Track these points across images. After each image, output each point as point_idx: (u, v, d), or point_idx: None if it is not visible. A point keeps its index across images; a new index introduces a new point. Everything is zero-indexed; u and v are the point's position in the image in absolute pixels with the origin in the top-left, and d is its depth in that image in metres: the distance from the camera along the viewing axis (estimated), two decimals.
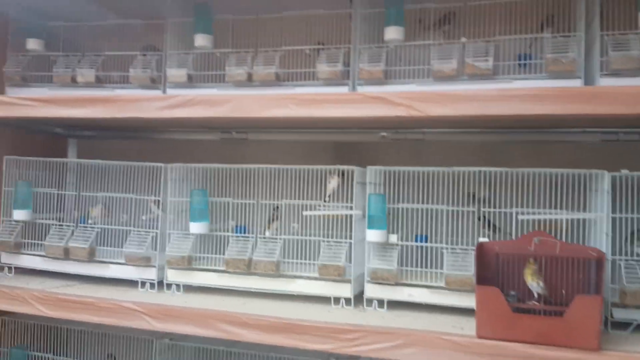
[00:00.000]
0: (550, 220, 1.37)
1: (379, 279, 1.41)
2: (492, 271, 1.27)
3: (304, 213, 1.54)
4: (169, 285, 1.58)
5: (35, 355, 1.77)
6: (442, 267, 1.39)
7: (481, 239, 1.36)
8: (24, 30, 1.77)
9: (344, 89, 1.46)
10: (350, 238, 1.47)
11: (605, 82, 1.28)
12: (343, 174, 1.53)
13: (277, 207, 1.58)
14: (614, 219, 1.30)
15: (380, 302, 1.42)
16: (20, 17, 1.78)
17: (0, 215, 1.75)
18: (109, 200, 1.70)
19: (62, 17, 1.77)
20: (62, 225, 1.70)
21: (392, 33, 1.44)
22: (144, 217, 1.65)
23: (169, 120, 1.48)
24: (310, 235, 1.56)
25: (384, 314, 1.38)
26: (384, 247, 1.45)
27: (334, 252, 1.47)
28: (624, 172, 1.30)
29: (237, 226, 1.61)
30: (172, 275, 1.58)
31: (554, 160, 1.56)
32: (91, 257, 1.64)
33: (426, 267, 1.44)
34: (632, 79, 1.25)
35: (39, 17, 1.76)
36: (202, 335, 1.37)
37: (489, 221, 1.43)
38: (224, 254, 1.55)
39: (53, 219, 1.74)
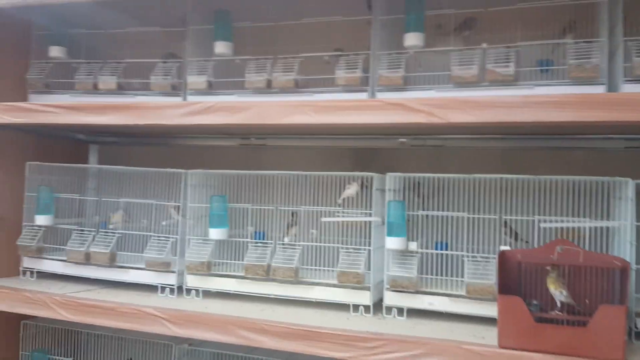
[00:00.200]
0: (573, 229, 1.35)
1: (398, 286, 1.40)
2: (514, 280, 1.26)
3: (323, 219, 1.54)
4: (188, 291, 1.59)
5: (55, 359, 1.79)
6: (462, 275, 1.38)
7: (503, 247, 1.34)
8: (46, 37, 1.80)
9: (363, 96, 1.46)
10: (369, 245, 1.47)
11: (629, 89, 1.26)
12: (364, 185, 1.52)
13: (295, 214, 1.58)
14: (638, 227, 1.28)
15: (400, 310, 1.41)
16: (43, 24, 1.81)
17: (22, 220, 1.77)
18: (129, 206, 1.71)
19: (84, 25, 1.80)
20: (83, 230, 1.72)
21: (412, 39, 1.44)
22: (164, 223, 1.66)
23: (190, 127, 1.48)
24: (328, 241, 1.56)
25: (404, 322, 1.37)
26: (404, 254, 1.44)
27: (353, 259, 1.46)
28: None
29: (255, 232, 1.62)
30: (192, 281, 1.59)
31: (576, 167, 1.54)
32: (112, 262, 1.65)
33: (446, 275, 1.43)
34: None
35: (61, 25, 1.79)
36: (221, 341, 1.37)
37: (510, 228, 1.41)
38: (242, 259, 1.55)
39: (74, 224, 1.76)
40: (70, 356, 1.79)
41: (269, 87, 1.54)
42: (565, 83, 1.30)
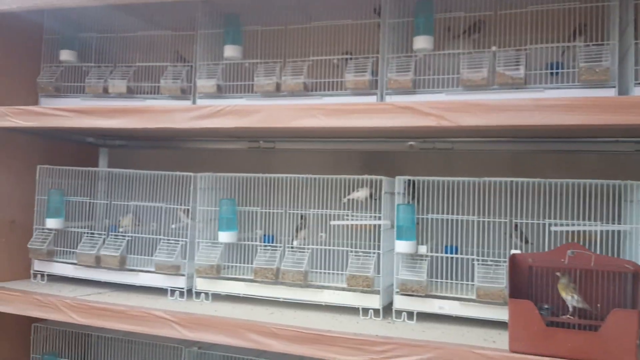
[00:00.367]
0: (584, 232, 1.34)
1: (408, 290, 1.40)
2: (524, 284, 1.25)
3: (332, 223, 1.54)
4: (197, 294, 1.59)
5: None
6: (472, 279, 1.37)
7: (513, 251, 1.34)
8: (57, 41, 1.81)
9: (372, 99, 1.46)
10: (379, 248, 1.47)
11: None
12: (372, 196, 1.52)
13: (304, 217, 1.58)
14: None
15: (410, 314, 1.41)
16: (53, 28, 1.82)
17: (33, 223, 1.78)
18: (139, 209, 1.72)
19: (94, 29, 1.81)
20: (93, 233, 1.73)
21: (422, 42, 1.43)
22: (173, 226, 1.66)
23: (199, 130, 1.49)
24: (337, 245, 1.55)
25: (414, 326, 1.36)
26: (413, 258, 1.44)
27: (362, 262, 1.46)
28: None
29: (264, 235, 1.62)
30: (201, 284, 1.59)
31: (586, 170, 1.54)
32: (122, 265, 1.66)
33: (456, 279, 1.43)
34: None
35: (72, 29, 1.80)
36: (231, 344, 1.37)
37: (521, 232, 1.41)
38: (251, 263, 1.55)
39: (84, 228, 1.77)
40: (81, 359, 1.80)
41: (278, 91, 1.54)
42: (576, 86, 1.30)
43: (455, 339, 1.26)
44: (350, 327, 1.34)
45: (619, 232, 1.34)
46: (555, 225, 1.34)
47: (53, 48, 1.82)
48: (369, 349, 1.25)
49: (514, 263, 1.25)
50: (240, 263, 1.61)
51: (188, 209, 1.63)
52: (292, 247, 1.56)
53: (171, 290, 1.61)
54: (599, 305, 1.21)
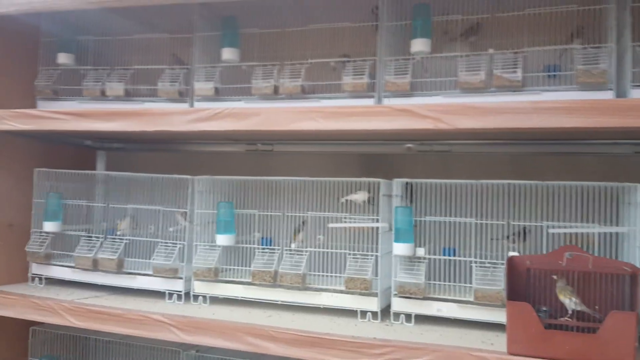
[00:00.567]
0: (582, 234, 1.34)
1: (406, 293, 1.40)
2: (522, 286, 1.25)
3: (329, 225, 1.54)
4: (195, 297, 1.59)
5: None
6: (470, 281, 1.37)
7: (511, 253, 1.34)
8: (54, 44, 1.81)
9: (369, 102, 1.46)
10: (377, 251, 1.46)
11: (638, 94, 1.25)
12: (370, 200, 1.52)
13: (304, 220, 1.58)
14: None
15: (408, 317, 1.41)
16: (51, 31, 1.82)
17: (31, 226, 1.78)
18: (136, 212, 1.72)
19: (91, 32, 1.81)
20: (91, 236, 1.72)
21: (419, 45, 1.43)
22: (171, 229, 1.66)
23: (197, 133, 1.49)
24: (336, 247, 1.55)
25: (412, 329, 1.36)
26: (411, 260, 1.44)
27: (360, 265, 1.46)
28: None
29: (262, 238, 1.62)
30: (199, 287, 1.59)
31: (584, 172, 1.54)
32: (119, 268, 1.66)
33: (454, 281, 1.43)
34: None
35: (69, 32, 1.80)
36: (229, 348, 1.37)
37: (519, 233, 1.41)
38: (249, 266, 1.55)
39: (82, 231, 1.77)
40: None
41: (275, 93, 1.54)
42: (573, 89, 1.30)
43: (453, 341, 1.26)
44: (348, 330, 1.34)
45: (617, 234, 1.34)
46: (553, 227, 1.34)
47: (50, 51, 1.81)
48: (367, 351, 1.25)
49: (512, 265, 1.25)
50: (238, 266, 1.61)
51: (186, 212, 1.63)
52: (290, 250, 1.56)
53: (169, 293, 1.60)
54: (597, 307, 1.21)
